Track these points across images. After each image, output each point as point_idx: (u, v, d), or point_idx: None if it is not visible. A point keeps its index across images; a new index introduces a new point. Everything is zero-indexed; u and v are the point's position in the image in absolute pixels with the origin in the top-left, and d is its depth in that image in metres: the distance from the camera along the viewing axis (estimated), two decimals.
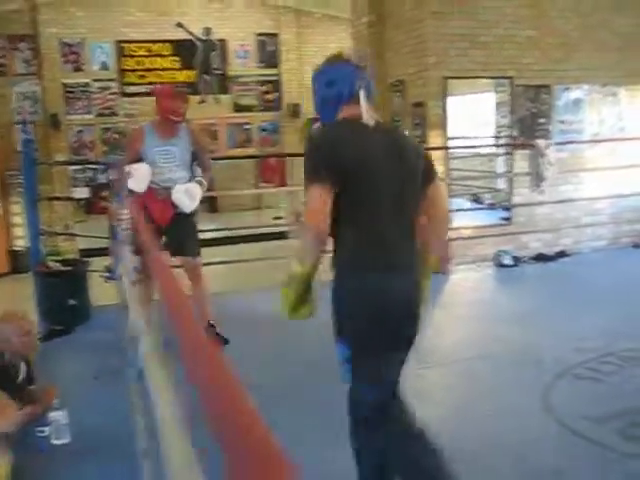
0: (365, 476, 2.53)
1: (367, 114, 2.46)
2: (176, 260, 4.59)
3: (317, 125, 3.11)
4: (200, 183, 4.62)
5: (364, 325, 2.36)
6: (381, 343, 2.39)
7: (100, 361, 4.48)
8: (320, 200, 2.27)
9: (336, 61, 2.63)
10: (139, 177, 4.38)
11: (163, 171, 4.50)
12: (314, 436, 3.35)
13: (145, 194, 4.44)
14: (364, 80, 2.52)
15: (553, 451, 3.21)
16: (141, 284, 3.22)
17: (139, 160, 4.47)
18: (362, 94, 2.48)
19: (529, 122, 7.71)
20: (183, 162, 4.56)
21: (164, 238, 4.54)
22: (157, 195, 4.52)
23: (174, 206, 4.54)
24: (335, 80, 2.55)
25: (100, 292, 5.82)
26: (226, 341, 4.72)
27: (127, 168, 4.36)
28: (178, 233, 4.56)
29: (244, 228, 10.28)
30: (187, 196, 4.52)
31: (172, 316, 1.05)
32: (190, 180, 4.60)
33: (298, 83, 14.98)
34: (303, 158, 2.40)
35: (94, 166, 13.32)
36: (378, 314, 2.34)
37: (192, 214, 4.67)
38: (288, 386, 4.06)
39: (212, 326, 4.74)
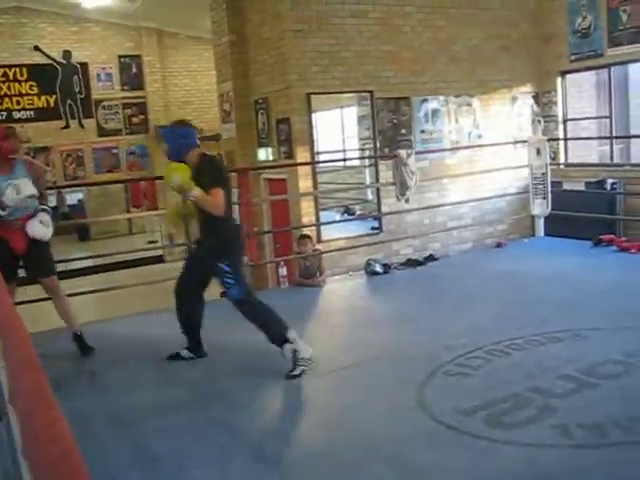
0: (277, 329, 4.33)
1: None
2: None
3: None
4: (46, 210, 4.96)
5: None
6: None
7: None
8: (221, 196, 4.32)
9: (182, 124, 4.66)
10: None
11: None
12: (203, 458, 3.32)
13: (0, 227, 4.75)
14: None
15: (428, 447, 3.33)
16: None
17: None
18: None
19: (391, 133, 8.01)
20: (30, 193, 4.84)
21: (23, 263, 4.94)
22: (12, 227, 4.77)
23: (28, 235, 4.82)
24: (187, 134, 4.54)
25: None
26: (90, 350, 5.02)
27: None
28: (35, 258, 4.91)
29: (119, 254, 10.04)
30: (43, 226, 4.87)
31: (5, 344, 1.03)
32: (36, 210, 4.89)
33: (164, 105, 14.82)
34: (205, 172, 4.36)
35: None
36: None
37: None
38: (170, 408, 3.99)
39: (79, 336, 5.05)
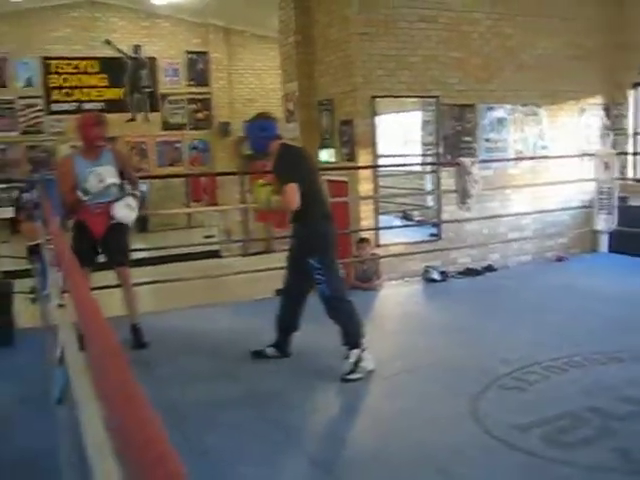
0: (354, 332, 4.35)
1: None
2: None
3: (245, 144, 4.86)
4: (134, 195, 5.08)
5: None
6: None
7: (25, 385, 4.35)
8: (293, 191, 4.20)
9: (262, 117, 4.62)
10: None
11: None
12: (254, 453, 3.34)
13: (82, 211, 4.90)
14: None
15: (480, 460, 3.27)
16: None
17: (75, 185, 4.85)
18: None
19: (455, 140, 7.92)
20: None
21: (100, 248, 5.04)
22: (92, 211, 4.90)
23: (108, 219, 4.95)
24: (266, 126, 4.51)
25: (24, 314, 5.67)
26: (145, 345, 5.11)
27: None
28: (112, 242, 5.02)
29: (176, 247, 10.18)
30: (128, 209, 5.00)
31: (86, 332, 1.04)
32: (123, 195, 5.01)
33: (228, 102, 14.98)
34: (279, 166, 4.38)
35: (19, 185, 12.91)
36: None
37: (123, 224, 5.09)
38: (225, 403, 4.02)
39: (137, 329, 5.16)
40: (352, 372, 4.27)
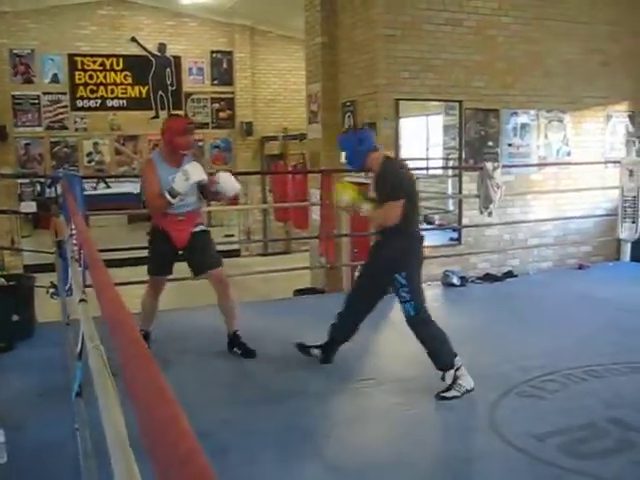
0: (446, 356, 4.14)
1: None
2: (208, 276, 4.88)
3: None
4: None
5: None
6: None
7: (43, 378, 4.38)
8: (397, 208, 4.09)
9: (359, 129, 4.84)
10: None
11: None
12: (268, 454, 3.33)
13: (163, 219, 4.72)
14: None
15: (497, 469, 3.25)
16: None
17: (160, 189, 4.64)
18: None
19: (478, 145, 7.88)
20: (193, 188, 4.70)
21: (185, 258, 4.85)
22: (174, 219, 4.72)
23: (191, 227, 4.78)
24: (363, 139, 4.41)
25: (45, 308, 5.71)
26: (252, 353, 4.85)
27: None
28: (196, 250, 4.79)
29: None
30: (234, 178, 4.89)
31: (114, 333, 1.04)
32: (201, 205, 5.02)
33: (251, 101, 15.02)
34: (384, 181, 4.21)
35: (42, 180, 13.05)
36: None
37: (207, 231, 4.97)
38: (239, 402, 4.03)
39: (237, 336, 4.91)
40: (448, 390, 4.08)
